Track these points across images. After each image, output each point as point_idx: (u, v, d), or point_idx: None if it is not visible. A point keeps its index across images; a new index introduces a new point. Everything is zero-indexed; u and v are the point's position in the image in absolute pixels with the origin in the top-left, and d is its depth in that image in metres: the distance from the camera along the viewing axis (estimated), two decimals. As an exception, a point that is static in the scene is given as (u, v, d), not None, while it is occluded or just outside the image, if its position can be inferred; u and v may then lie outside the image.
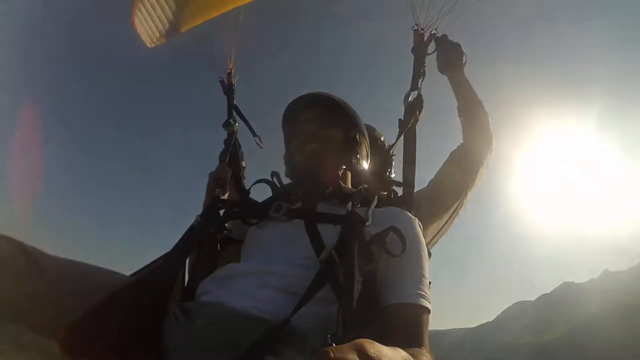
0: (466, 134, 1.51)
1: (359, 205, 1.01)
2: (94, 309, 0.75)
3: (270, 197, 1.17)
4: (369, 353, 0.41)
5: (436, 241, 1.43)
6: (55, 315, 0.76)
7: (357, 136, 1.23)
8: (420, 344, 0.81)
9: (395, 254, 0.86)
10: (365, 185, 1.16)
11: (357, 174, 1.22)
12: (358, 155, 1.22)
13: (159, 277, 0.95)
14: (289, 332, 0.76)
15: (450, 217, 1.43)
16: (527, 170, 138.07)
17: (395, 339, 0.56)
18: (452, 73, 1.59)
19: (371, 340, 0.43)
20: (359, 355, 0.40)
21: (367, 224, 0.93)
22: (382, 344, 0.45)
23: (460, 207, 1.45)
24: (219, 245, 1.17)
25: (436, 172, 1.48)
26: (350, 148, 1.20)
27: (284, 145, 1.34)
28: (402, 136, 1.34)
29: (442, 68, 1.60)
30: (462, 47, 1.57)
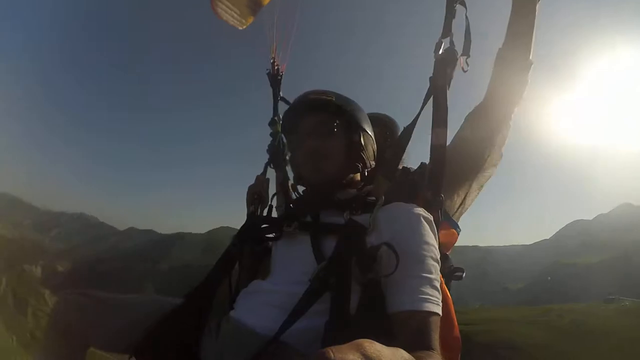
0: (497, 80, 1.27)
1: (359, 212, 1.01)
2: (152, 330, 1.02)
3: (285, 212, 1.25)
4: (369, 353, 0.40)
5: (462, 212, 1.30)
6: (120, 337, 1.04)
7: (362, 139, 1.19)
8: (429, 348, 0.78)
9: (387, 272, 0.85)
10: (369, 187, 1.16)
11: (364, 176, 1.22)
12: (364, 158, 1.19)
13: (198, 297, 1.11)
14: (279, 348, 0.82)
15: (474, 183, 1.29)
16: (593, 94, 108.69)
17: (402, 345, 0.54)
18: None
19: (371, 340, 0.43)
20: (358, 356, 0.39)
21: (367, 230, 0.93)
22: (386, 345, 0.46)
23: (486, 169, 1.29)
24: (259, 258, 1.26)
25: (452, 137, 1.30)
26: (355, 154, 1.18)
27: (288, 148, 1.39)
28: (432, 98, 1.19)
29: None
30: None
